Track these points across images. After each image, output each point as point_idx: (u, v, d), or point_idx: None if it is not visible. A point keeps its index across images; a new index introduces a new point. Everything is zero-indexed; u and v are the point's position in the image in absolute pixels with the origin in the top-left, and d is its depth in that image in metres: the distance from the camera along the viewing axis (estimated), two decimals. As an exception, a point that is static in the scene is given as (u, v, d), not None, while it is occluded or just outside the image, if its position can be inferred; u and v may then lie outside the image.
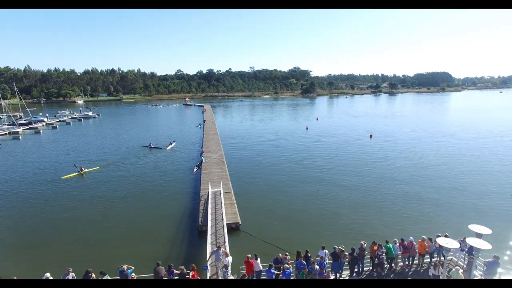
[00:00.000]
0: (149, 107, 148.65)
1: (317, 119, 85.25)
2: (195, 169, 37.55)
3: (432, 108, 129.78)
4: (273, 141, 56.73)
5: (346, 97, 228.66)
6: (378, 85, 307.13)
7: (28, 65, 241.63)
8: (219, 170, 35.92)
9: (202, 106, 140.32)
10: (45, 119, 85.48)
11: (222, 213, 23.00)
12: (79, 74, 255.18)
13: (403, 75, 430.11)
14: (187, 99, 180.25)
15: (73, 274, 13.88)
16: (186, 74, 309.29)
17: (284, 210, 26.25)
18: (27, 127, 75.87)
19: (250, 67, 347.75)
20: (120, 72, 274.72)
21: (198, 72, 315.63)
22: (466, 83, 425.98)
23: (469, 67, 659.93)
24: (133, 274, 14.24)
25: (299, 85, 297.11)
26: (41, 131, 73.26)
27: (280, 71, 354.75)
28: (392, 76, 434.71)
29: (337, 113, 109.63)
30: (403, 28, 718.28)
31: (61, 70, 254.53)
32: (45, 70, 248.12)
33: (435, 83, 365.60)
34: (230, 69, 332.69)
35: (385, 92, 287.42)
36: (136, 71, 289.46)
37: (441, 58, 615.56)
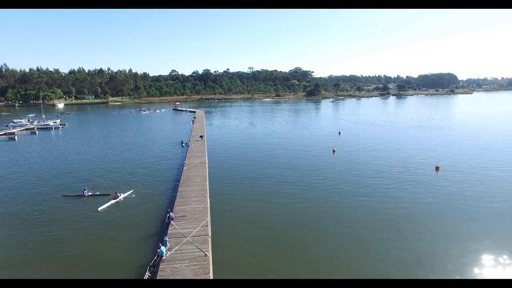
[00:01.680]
0: (132, 112, 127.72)
1: (339, 133, 66.00)
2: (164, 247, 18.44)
3: (474, 116, 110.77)
4: (286, 171, 37.72)
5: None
6: (386, 86, 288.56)
7: (4, 64, 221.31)
8: (196, 251, 16.65)
9: (194, 111, 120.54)
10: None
11: None
12: (63, 75, 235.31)
13: (407, 77, 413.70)
14: (177, 103, 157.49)
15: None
16: (181, 75, 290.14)
17: None
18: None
19: (249, 68, 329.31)
20: (110, 72, 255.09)
21: (194, 73, 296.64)
22: (471, 85, 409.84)
23: (471, 68, 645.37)
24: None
25: (301, 86, 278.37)
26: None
27: (281, 71, 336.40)
28: (395, 77, 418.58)
29: (360, 123, 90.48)
30: (403, 29, 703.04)
31: (45, 69, 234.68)
32: (27, 70, 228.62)
33: (440, 84, 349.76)
34: (228, 69, 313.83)
35: (393, 94, 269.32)
36: (127, 71, 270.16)
37: (442, 59, 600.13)
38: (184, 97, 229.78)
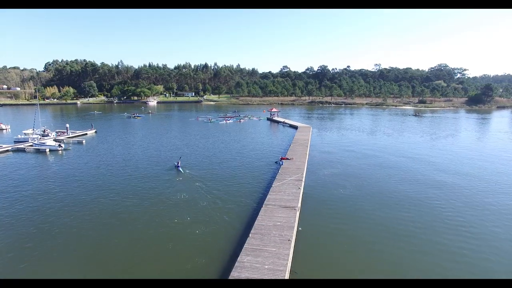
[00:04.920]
0: (207, 120, 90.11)
1: None
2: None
3: None
4: None
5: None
6: None
7: (121, 61, 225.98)
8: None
9: (296, 127, 71.45)
10: None
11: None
12: (169, 70, 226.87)
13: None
14: (274, 109, 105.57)
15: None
16: (294, 72, 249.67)
17: None
18: None
19: (375, 65, 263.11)
20: (215, 68, 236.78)
21: (307, 69, 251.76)
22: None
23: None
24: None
25: (451, 89, 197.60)
26: None
27: (417, 69, 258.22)
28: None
29: None
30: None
31: (155, 65, 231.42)
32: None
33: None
34: (348, 66, 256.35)
35: None
36: (235, 66, 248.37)
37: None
38: (292, 98, 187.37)
